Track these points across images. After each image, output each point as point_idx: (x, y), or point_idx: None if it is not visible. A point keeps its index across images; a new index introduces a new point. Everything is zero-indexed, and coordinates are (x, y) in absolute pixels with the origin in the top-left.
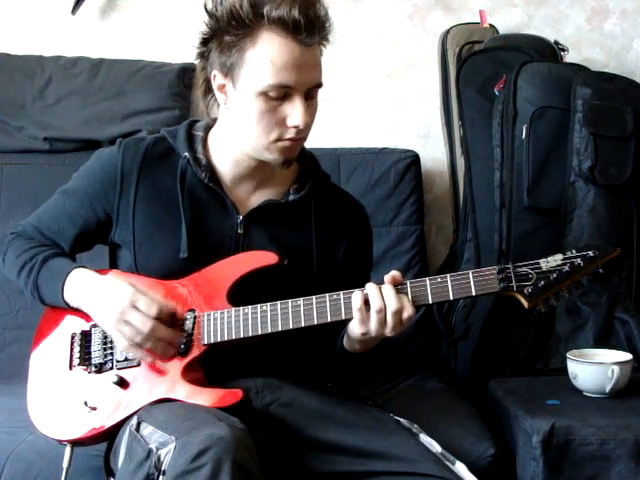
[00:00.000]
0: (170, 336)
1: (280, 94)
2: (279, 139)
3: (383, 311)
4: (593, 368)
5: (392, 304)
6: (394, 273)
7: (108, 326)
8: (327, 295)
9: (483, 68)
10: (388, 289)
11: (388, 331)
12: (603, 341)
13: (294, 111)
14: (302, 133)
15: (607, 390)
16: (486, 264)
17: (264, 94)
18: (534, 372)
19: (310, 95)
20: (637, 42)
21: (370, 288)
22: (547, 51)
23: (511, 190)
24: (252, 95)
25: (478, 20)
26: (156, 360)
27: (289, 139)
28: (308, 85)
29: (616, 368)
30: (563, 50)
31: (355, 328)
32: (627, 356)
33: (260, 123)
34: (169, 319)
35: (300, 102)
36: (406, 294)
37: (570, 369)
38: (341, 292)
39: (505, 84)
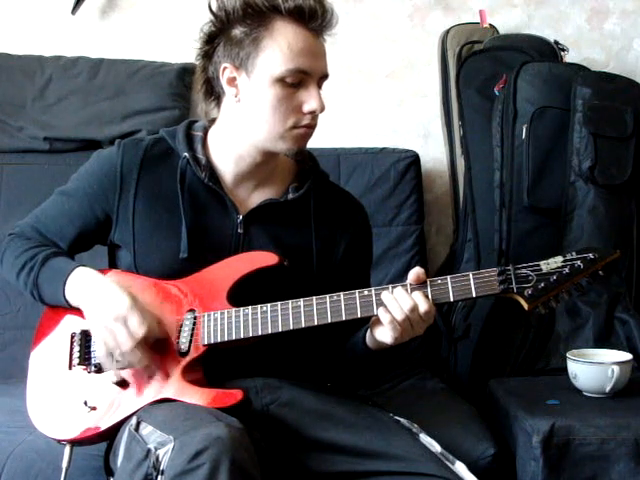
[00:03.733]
0: (141, 365)
1: (296, 80)
2: (295, 126)
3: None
4: (593, 368)
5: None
6: (417, 270)
7: (95, 327)
8: (327, 296)
9: (483, 68)
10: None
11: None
12: (603, 341)
13: (310, 97)
14: (315, 120)
15: (607, 390)
16: (486, 264)
17: (281, 80)
18: (534, 372)
19: (319, 86)
20: (637, 42)
21: (386, 297)
22: (547, 51)
23: (511, 190)
24: (269, 82)
25: (478, 20)
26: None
27: (305, 126)
28: (321, 72)
29: (616, 368)
30: (563, 50)
31: (386, 337)
32: (627, 356)
33: (277, 110)
34: (151, 346)
35: (315, 88)
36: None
37: (570, 369)
38: (341, 293)
39: (505, 84)
